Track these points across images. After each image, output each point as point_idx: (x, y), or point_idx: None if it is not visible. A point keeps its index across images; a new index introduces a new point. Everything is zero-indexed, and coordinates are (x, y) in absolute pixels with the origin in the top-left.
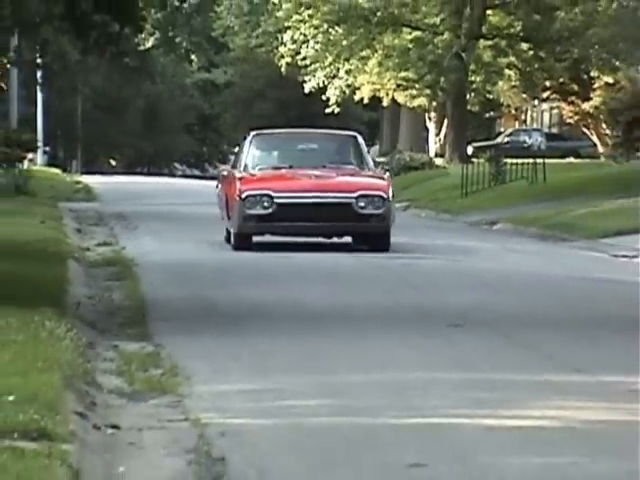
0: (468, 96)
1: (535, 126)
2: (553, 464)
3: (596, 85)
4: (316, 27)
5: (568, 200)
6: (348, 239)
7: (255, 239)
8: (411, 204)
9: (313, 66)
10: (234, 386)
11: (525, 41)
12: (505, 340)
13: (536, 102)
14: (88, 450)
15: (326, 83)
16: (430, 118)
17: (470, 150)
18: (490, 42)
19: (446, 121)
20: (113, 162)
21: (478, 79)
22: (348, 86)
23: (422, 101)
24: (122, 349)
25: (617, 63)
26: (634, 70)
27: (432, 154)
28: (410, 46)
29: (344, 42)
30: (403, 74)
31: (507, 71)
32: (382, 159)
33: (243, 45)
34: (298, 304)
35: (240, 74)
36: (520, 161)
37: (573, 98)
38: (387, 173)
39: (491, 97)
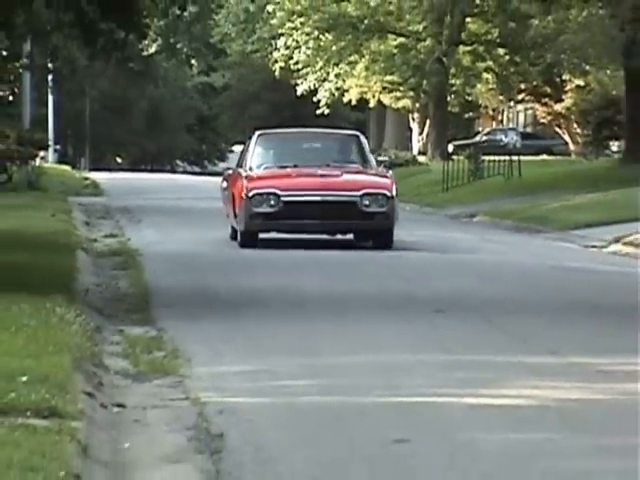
0: (449, 98)
1: (511, 126)
2: (529, 439)
3: (568, 88)
4: (307, 34)
5: (541, 194)
6: (350, 236)
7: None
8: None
9: (305, 70)
10: (231, 367)
11: (501, 47)
12: (485, 324)
13: (512, 103)
14: (96, 427)
15: (317, 86)
16: (413, 118)
17: (450, 148)
18: (469, 48)
19: (428, 121)
20: (119, 160)
21: (458, 82)
22: (337, 89)
23: (406, 103)
24: (127, 333)
25: (587, 67)
26: (603, 73)
27: (415, 152)
28: (395, 51)
29: (333, 48)
30: (388, 77)
31: (485, 75)
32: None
33: (239, 51)
34: (291, 292)
35: (237, 78)
36: (497, 158)
37: (546, 100)
38: (390, 171)
39: (470, 99)
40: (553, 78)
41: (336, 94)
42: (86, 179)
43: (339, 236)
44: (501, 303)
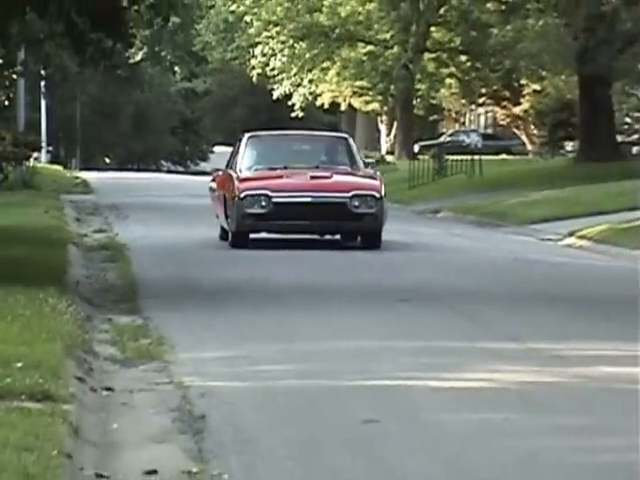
0: (414, 102)
1: (472, 127)
2: (489, 420)
3: (525, 92)
4: (283, 42)
5: (501, 191)
6: (337, 236)
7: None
8: None
9: (280, 76)
10: (212, 354)
11: (464, 54)
12: (448, 312)
13: (473, 106)
14: (86, 410)
15: (292, 91)
16: (382, 121)
17: (416, 148)
18: (433, 55)
19: (395, 123)
20: (108, 160)
21: (423, 87)
22: (311, 93)
23: (375, 106)
24: (115, 322)
25: (543, 73)
26: (558, 79)
27: (383, 152)
28: (364, 58)
29: (307, 55)
30: (358, 83)
31: (448, 80)
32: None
33: (220, 58)
34: (269, 283)
35: (217, 83)
36: (460, 158)
37: (505, 103)
38: (378, 173)
39: (434, 102)
40: (512, 83)
41: (310, 98)
42: (77, 178)
43: (327, 236)
44: (465, 293)
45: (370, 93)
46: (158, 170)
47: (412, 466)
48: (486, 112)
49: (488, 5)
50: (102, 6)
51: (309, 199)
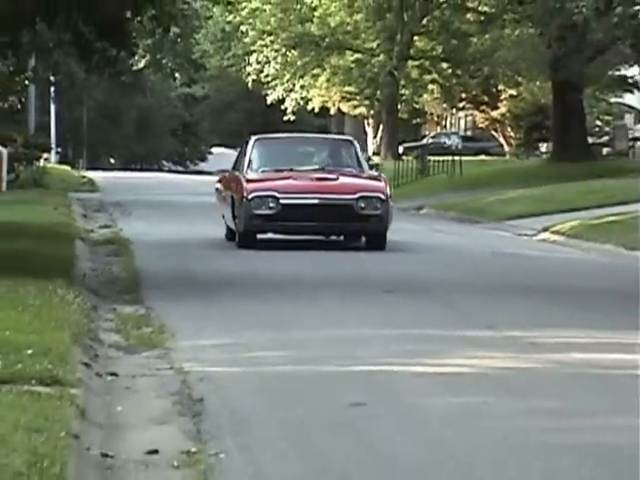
0: (399, 106)
1: (453, 130)
2: (468, 403)
3: (502, 97)
4: (276, 50)
5: (480, 190)
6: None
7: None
8: None
9: (274, 82)
10: (210, 341)
11: (445, 61)
12: (431, 302)
13: (454, 110)
14: (92, 393)
15: (284, 96)
16: (369, 124)
17: (401, 150)
18: (417, 62)
19: (381, 126)
20: (112, 160)
21: (407, 92)
22: (302, 98)
23: (362, 110)
24: (120, 311)
25: (519, 79)
26: (533, 84)
27: (370, 153)
28: (352, 66)
29: (299, 63)
30: (347, 88)
31: (430, 86)
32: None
33: (217, 65)
34: (264, 275)
35: (215, 89)
36: (441, 158)
37: (484, 107)
38: (383, 175)
39: (418, 107)
40: (490, 88)
41: (301, 103)
42: (83, 177)
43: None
44: (446, 284)
45: (358, 98)
46: (159, 170)
47: (397, 446)
48: (466, 116)
49: (468, 16)
50: (107, 17)
51: (316, 201)
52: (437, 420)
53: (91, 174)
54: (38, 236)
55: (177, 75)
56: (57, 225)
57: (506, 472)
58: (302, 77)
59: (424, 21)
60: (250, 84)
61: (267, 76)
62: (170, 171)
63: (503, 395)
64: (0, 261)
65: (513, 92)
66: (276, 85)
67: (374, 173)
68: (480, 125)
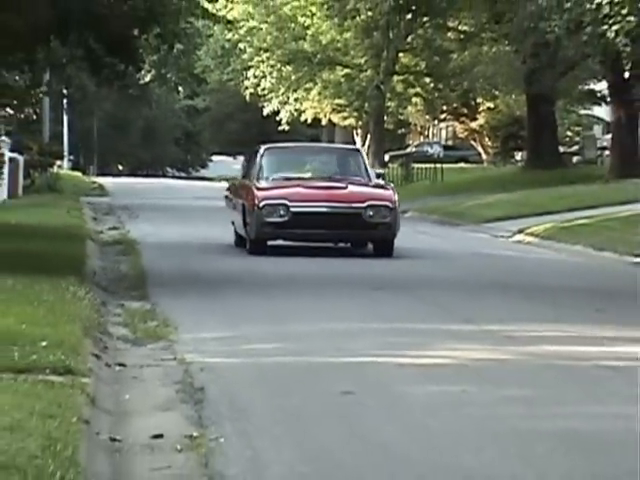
0: (385, 117)
1: (435, 139)
2: (448, 391)
3: (480, 109)
4: (272, 66)
5: (460, 195)
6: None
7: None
8: None
9: (270, 95)
10: (211, 334)
11: (428, 76)
12: (415, 299)
13: (436, 121)
14: (101, 382)
15: (279, 108)
16: (357, 134)
17: (387, 158)
18: (402, 77)
19: (369, 136)
20: (120, 167)
21: (393, 105)
22: (296, 110)
23: (351, 121)
24: (127, 307)
25: (496, 92)
26: (509, 97)
27: None
28: (342, 80)
29: (293, 77)
30: (337, 101)
31: (414, 99)
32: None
33: (217, 79)
34: (262, 274)
35: (215, 101)
36: (424, 166)
37: (463, 118)
38: (391, 184)
39: (402, 118)
40: (469, 101)
41: (295, 114)
42: (94, 183)
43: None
44: (428, 282)
45: (347, 110)
46: (164, 176)
47: (384, 432)
48: (447, 126)
49: (449, 34)
50: (116, 35)
51: (326, 209)
52: (420, 407)
53: (101, 180)
54: (52, 237)
55: (180, 88)
56: (69, 227)
57: (486, 457)
58: (296, 90)
59: (408, 39)
60: (248, 97)
61: (263, 89)
62: (174, 177)
63: (481, 384)
64: (17, 260)
65: (490, 105)
66: (272, 98)
67: (381, 182)
68: (460, 135)
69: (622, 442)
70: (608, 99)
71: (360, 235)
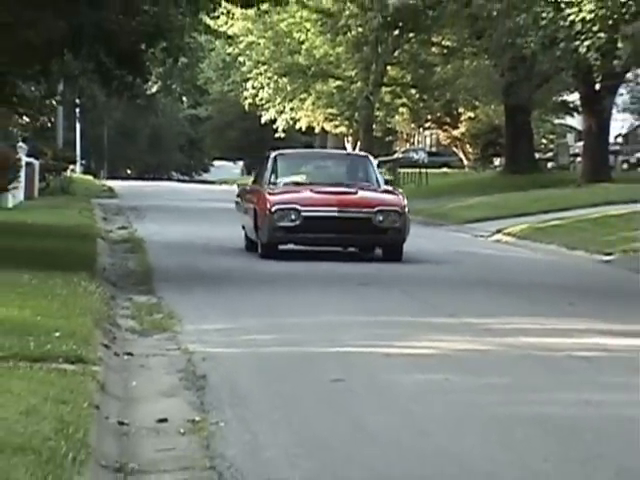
0: (374, 126)
1: (420, 146)
2: (432, 379)
3: (462, 118)
4: (269, 78)
5: (443, 198)
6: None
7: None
8: None
9: (267, 105)
10: (212, 326)
11: (413, 88)
12: (400, 294)
13: (421, 130)
14: (111, 370)
15: (276, 117)
16: (348, 141)
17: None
18: (389, 88)
19: (359, 143)
20: (129, 171)
21: (381, 114)
22: (291, 119)
23: (342, 129)
24: (135, 300)
25: (476, 103)
26: (488, 108)
27: None
28: (334, 91)
29: (288, 88)
30: (329, 110)
31: (401, 109)
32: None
33: (219, 90)
34: (259, 271)
35: (217, 110)
36: (410, 171)
37: (446, 127)
38: (400, 189)
39: (390, 126)
40: (451, 111)
41: (290, 122)
42: (104, 186)
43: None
44: (413, 278)
45: (338, 119)
46: (169, 179)
47: (371, 417)
48: (431, 134)
49: (433, 49)
50: (125, 49)
51: (336, 214)
52: (406, 394)
53: (110, 183)
54: (65, 236)
55: (184, 98)
56: (81, 226)
57: (468, 441)
58: (291, 101)
59: (396, 53)
60: (246, 106)
61: (261, 100)
62: (178, 180)
63: (463, 373)
64: (32, 257)
65: (471, 114)
66: (269, 107)
67: (390, 188)
68: (443, 142)
69: (593, 427)
70: (580, 109)
71: (370, 240)
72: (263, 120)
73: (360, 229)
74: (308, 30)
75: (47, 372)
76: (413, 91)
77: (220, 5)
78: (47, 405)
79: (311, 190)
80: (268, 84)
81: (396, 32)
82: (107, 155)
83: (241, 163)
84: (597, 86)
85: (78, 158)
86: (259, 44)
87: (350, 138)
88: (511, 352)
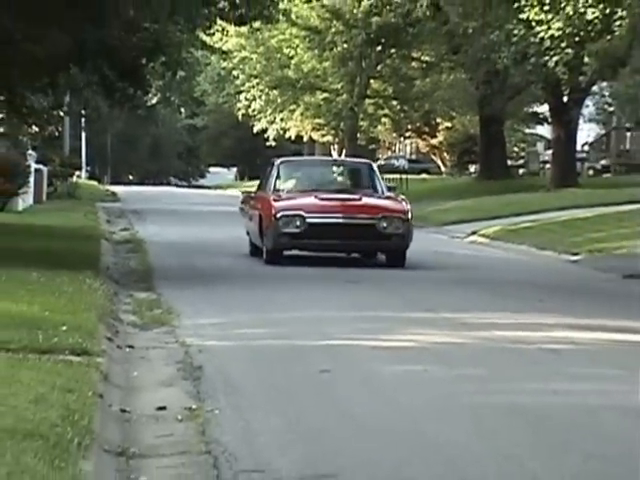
0: (358, 135)
1: (401, 154)
2: (412, 370)
3: (440, 128)
4: (261, 90)
5: (423, 202)
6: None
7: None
8: None
9: (259, 116)
10: (208, 320)
11: (395, 99)
12: (383, 291)
13: (402, 138)
14: (113, 362)
15: (267, 127)
16: (334, 149)
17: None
18: (372, 100)
19: (344, 151)
20: (131, 177)
21: (365, 124)
22: (281, 128)
23: (329, 138)
24: (136, 297)
25: (453, 114)
26: (464, 118)
27: None
28: (321, 103)
29: (279, 100)
30: (317, 120)
31: (383, 119)
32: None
33: (214, 102)
34: (251, 269)
35: (212, 120)
36: (391, 176)
37: (425, 136)
38: (403, 196)
39: (373, 135)
40: (430, 121)
41: (280, 132)
42: (107, 190)
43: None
44: (395, 276)
45: (325, 128)
46: (168, 184)
47: (357, 405)
48: (411, 142)
49: (413, 64)
50: (127, 63)
51: (341, 220)
52: (388, 384)
53: (114, 188)
54: (71, 237)
55: (182, 109)
56: (86, 228)
57: (445, 427)
58: (281, 112)
59: (378, 68)
60: (240, 117)
61: (254, 111)
62: (177, 185)
63: (440, 364)
64: (41, 256)
65: (448, 124)
66: (261, 118)
67: (393, 194)
68: (422, 150)
69: (561, 415)
70: (549, 120)
71: (374, 246)
72: (255, 130)
73: (364, 235)
74: (297, 46)
75: (54, 363)
76: (394, 103)
77: (215, 23)
78: (54, 394)
79: (315, 197)
80: (260, 96)
81: (379, 48)
82: (110, 162)
83: (235, 169)
84: (565, 98)
85: (83, 165)
86: (251, 59)
87: (336, 146)
88: (485, 345)
